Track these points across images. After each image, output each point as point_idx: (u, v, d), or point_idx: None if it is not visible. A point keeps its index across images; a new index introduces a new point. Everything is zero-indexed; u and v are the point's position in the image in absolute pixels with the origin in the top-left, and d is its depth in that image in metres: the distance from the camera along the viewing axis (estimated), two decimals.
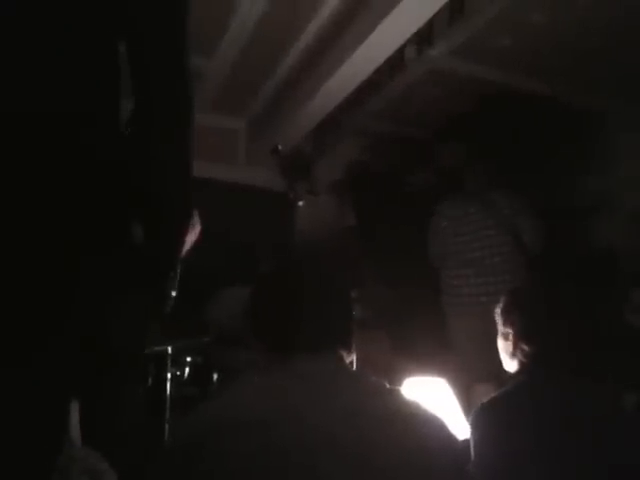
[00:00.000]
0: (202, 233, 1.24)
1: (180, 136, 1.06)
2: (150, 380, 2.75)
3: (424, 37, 3.21)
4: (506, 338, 1.65)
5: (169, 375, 2.70)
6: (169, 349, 2.72)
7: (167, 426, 2.57)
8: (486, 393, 2.71)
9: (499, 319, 1.69)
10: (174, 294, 1.15)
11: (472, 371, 2.94)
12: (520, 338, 1.61)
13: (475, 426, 1.46)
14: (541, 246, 3.17)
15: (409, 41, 3.15)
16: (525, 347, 1.58)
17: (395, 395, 1.10)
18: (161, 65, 1.03)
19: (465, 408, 2.06)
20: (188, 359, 2.88)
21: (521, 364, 1.60)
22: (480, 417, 1.48)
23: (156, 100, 1.03)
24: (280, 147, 3.15)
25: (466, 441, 1.44)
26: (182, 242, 1.09)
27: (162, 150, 1.04)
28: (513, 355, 1.62)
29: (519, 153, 3.59)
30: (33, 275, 0.94)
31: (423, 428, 1.02)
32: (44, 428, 0.96)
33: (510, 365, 1.65)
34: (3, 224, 0.93)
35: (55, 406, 0.98)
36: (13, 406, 0.93)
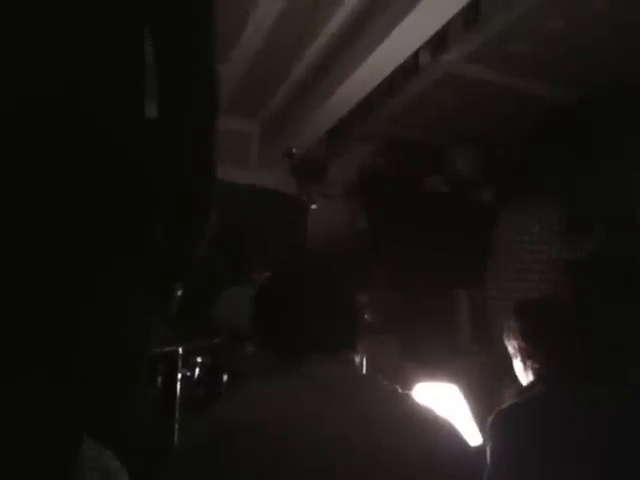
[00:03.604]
0: (214, 233, 1.24)
1: (205, 137, 1.06)
2: (160, 380, 2.76)
3: (439, 42, 3.21)
4: (515, 351, 1.63)
5: (179, 376, 2.70)
6: (180, 350, 2.73)
7: (177, 426, 2.57)
8: None
9: (509, 333, 1.68)
10: (179, 293, 1.15)
11: None
12: (528, 348, 1.60)
13: (491, 435, 1.45)
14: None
15: (424, 46, 3.15)
16: (538, 357, 1.57)
17: (409, 400, 1.09)
18: (187, 65, 1.04)
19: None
20: (199, 360, 2.88)
21: (535, 375, 1.58)
22: (495, 426, 1.46)
23: (180, 101, 1.03)
24: (294, 150, 3.16)
25: (478, 447, 1.43)
26: (202, 242, 1.09)
27: (186, 150, 1.04)
28: (525, 367, 1.61)
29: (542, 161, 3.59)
30: (51, 273, 0.95)
31: (437, 433, 1.02)
32: (62, 430, 0.97)
33: (525, 378, 1.63)
34: (23, 223, 0.94)
35: (72, 408, 0.98)
36: (29, 407, 0.93)
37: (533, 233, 3.22)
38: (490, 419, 1.48)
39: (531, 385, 1.59)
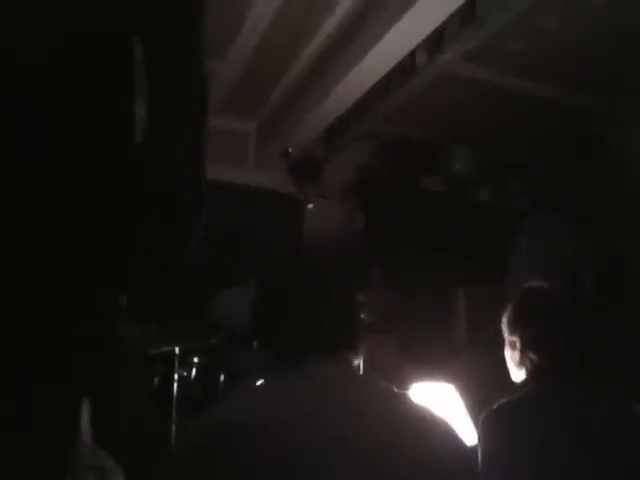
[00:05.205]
0: (210, 234, 1.24)
1: (194, 137, 1.06)
2: (157, 380, 2.76)
3: (436, 42, 3.21)
4: (513, 347, 1.61)
5: (176, 376, 2.70)
6: (176, 350, 2.72)
7: (174, 426, 2.57)
8: None
9: (506, 327, 1.66)
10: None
11: None
12: (528, 346, 1.58)
13: (483, 433, 1.45)
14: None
15: (420, 46, 3.15)
16: (533, 356, 1.55)
17: (406, 399, 1.09)
18: (176, 65, 1.04)
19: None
20: (195, 360, 2.88)
21: (529, 373, 1.57)
22: (488, 425, 1.46)
23: (170, 101, 1.03)
24: (290, 150, 3.16)
25: (474, 446, 1.43)
26: (193, 242, 1.09)
27: (176, 151, 1.04)
28: (520, 364, 1.59)
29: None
30: (46, 274, 0.95)
31: (434, 432, 1.02)
32: (59, 426, 0.96)
33: (517, 375, 1.62)
34: (15, 228, 0.93)
35: (69, 405, 0.98)
36: (27, 405, 0.93)
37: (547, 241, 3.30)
38: (481, 417, 1.48)
39: (523, 383, 1.58)
